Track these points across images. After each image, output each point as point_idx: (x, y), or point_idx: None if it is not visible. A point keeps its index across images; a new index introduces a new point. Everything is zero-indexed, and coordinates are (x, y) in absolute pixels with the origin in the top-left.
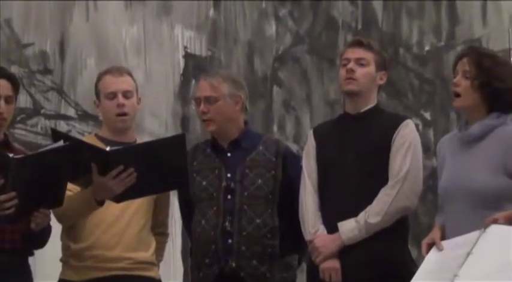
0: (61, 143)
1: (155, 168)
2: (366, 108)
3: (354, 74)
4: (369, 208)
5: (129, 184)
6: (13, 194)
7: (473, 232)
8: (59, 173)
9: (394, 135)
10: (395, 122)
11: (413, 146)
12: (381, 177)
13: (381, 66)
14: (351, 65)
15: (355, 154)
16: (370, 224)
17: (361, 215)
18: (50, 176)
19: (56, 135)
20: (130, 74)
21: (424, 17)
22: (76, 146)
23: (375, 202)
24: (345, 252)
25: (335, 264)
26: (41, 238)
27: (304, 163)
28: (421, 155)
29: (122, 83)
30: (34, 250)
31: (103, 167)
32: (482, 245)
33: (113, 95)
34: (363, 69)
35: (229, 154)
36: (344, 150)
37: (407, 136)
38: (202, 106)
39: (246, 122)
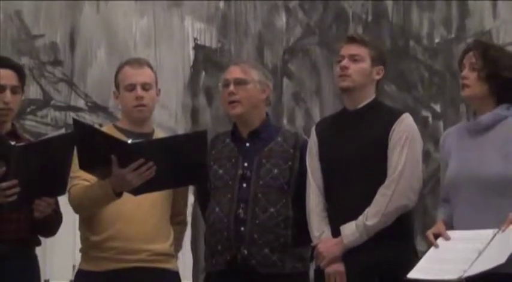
0: (63, 131)
1: (175, 162)
2: (363, 103)
3: (347, 71)
4: (367, 210)
5: (148, 177)
6: (15, 181)
7: (487, 230)
8: (62, 161)
9: (390, 132)
10: (392, 117)
11: (410, 141)
12: (381, 175)
13: (378, 61)
14: (344, 62)
15: (354, 152)
16: (369, 226)
17: (360, 218)
18: (53, 164)
19: (77, 125)
20: (150, 66)
21: (435, 9)
22: (79, 135)
23: (372, 203)
24: (349, 255)
25: (339, 267)
26: (47, 226)
27: (307, 161)
28: (420, 149)
29: (141, 75)
30: (43, 238)
31: (123, 159)
32: (495, 244)
33: (132, 87)
34: (357, 65)
35: (247, 144)
36: (343, 148)
37: (403, 132)
38: (231, 87)
39: (267, 114)
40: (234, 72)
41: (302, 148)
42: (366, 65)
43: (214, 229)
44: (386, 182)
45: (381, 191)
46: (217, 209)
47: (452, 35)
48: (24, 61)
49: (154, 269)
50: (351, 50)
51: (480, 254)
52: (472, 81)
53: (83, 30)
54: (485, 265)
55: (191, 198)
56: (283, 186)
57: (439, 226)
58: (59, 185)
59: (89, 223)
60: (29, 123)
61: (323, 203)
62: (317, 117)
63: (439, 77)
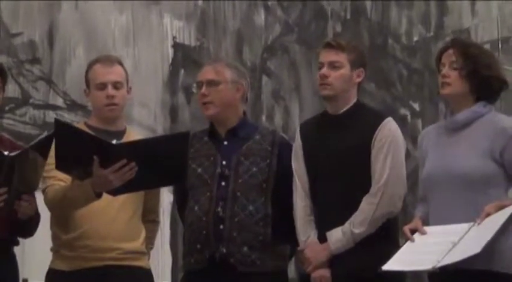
0: (45, 133)
1: (156, 163)
2: (345, 108)
3: (327, 80)
4: (353, 218)
5: (129, 178)
6: (4, 189)
7: (463, 224)
8: (42, 160)
9: (373, 138)
10: (375, 122)
11: (393, 147)
12: (364, 180)
13: (357, 63)
14: (324, 70)
15: (337, 156)
16: (356, 234)
17: (347, 225)
18: (36, 165)
19: (59, 125)
20: (120, 63)
21: (413, 7)
22: (59, 135)
23: (358, 211)
24: (335, 260)
25: (325, 273)
26: (26, 227)
27: (293, 163)
28: (403, 154)
29: (112, 74)
30: (21, 239)
31: (105, 159)
32: (470, 236)
33: (102, 86)
34: (336, 73)
35: (225, 142)
36: (327, 152)
37: (387, 137)
38: (203, 89)
39: (244, 112)
40: (206, 73)
41: (279, 145)
42: (345, 70)
43: (193, 228)
44: (372, 190)
45: (367, 199)
46: (196, 208)
47: (431, 33)
48: (2, 59)
49: (125, 267)
50: (329, 56)
51: (455, 245)
52: (453, 79)
53: (61, 28)
54: (460, 255)
55: (170, 197)
56: (262, 185)
57: (416, 222)
58: (35, 181)
59: (60, 222)
60: (7, 121)
61: (309, 207)
62: (296, 115)
63: (417, 75)
